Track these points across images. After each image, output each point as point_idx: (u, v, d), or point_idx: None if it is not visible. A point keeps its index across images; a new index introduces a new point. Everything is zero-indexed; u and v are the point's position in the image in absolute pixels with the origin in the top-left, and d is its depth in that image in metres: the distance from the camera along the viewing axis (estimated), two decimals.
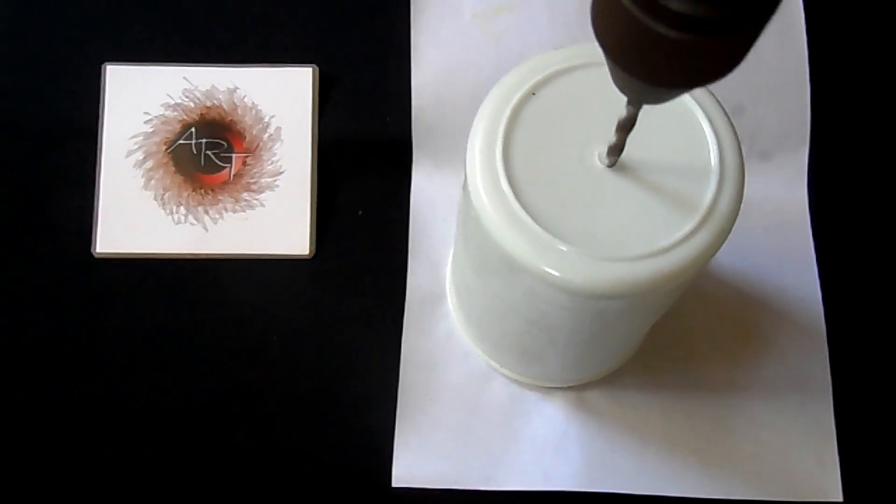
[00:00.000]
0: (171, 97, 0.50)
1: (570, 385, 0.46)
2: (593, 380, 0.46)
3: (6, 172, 0.50)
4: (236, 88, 0.51)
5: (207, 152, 0.50)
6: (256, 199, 0.49)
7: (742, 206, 0.32)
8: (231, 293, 0.48)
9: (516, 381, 0.46)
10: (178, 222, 0.49)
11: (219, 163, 0.50)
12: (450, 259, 0.48)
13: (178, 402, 0.46)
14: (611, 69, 0.25)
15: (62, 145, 0.50)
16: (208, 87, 0.51)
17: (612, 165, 0.32)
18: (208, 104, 0.50)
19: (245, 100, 0.50)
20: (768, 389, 0.47)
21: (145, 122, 0.50)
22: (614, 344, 0.42)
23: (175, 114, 0.50)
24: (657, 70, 0.23)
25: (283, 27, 0.52)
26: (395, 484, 0.44)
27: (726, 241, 0.31)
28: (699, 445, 0.46)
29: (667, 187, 0.31)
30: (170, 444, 0.46)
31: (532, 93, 0.32)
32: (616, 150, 0.30)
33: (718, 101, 0.33)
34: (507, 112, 0.32)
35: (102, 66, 0.51)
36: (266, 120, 0.50)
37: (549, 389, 0.46)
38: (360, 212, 0.49)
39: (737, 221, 0.32)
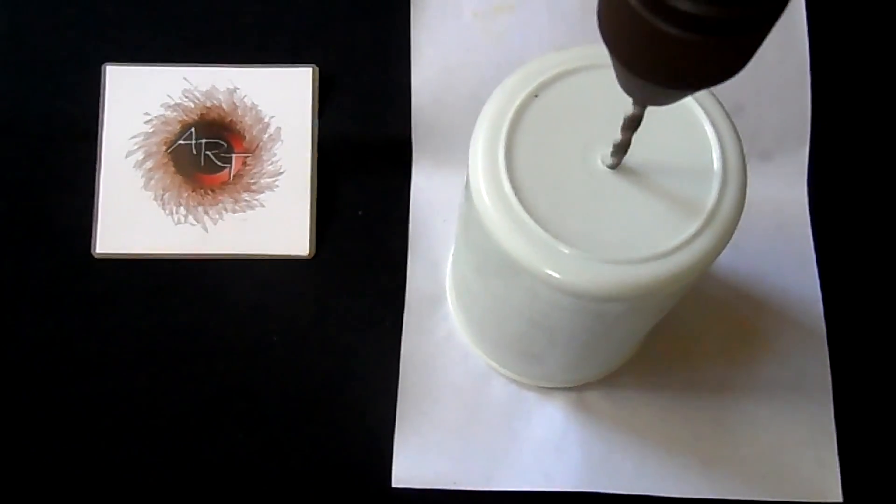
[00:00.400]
0: (171, 97, 0.50)
1: (570, 385, 0.46)
2: (593, 380, 0.46)
3: (6, 172, 0.50)
4: (236, 88, 0.50)
5: (207, 152, 0.50)
6: (256, 200, 0.49)
7: None
8: (231, 293, 0.48)
9: (516, 382, 0.46)
10: (178, 222, 0.48)
11: (219, 163, 0.50)
12: (450, 259, 0.48)
13: (178, 402, 0.46)
14: (617, 71, 0.25)
15: (62, 145, 0.50)
16: (208, 88, 0.51)
17: (614, 167, 0.31)
18: (208, 104, 0.50)
19: (245, 100, 0.50)
20: (768, 390, 0.47)
21: (145, 123, 0.50)
22: (615, 345, 0.42)
23: (175, 114, 0.50)
24: (665, 71, 0.23)
25: (283, 27, 0.52)
26: (395, 484, 0.44)
27: None
28: (699, 446, 0.46)
29: (669, 190, 0.31)
30: (170, 443, 0.46)
31: (535, 95, 0.32)
32: (621, 150, 0.30)
33: (720, 103, 0.33)
34: (510, 114, 0.32)
35: (102, 66, 0.51)
36: (266, 120, 0.50)
37: (548, 390, 0.46)
38: (360, 212, 0.49)
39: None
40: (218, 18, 0.52)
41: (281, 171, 0.49)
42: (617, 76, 0.25)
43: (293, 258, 0.48)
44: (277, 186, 0.49)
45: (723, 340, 0.48)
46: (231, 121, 0.50)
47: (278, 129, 0.50)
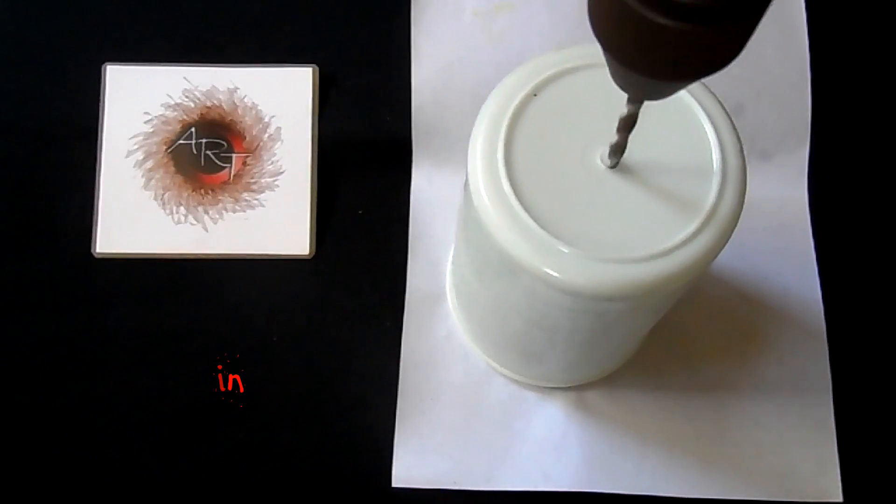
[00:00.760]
0: (171, 97, 0.50)
1: (570, 385, 0.46)
2: (593, 380, 0.46)
3: (6, 172, 0.50)
4: (236, 88, 0.50)
5: (207, 152, 0.50)
6: (256, 199, 0.49)
7: None
8: (231, 293, 0.48)
9: (516, 382, 0.46)
10: (178, 222, 0.48)
11: (219, 163, 0.50)
12: (450, 259, 0.48)
13: (178, 402, 0.46)
14: (609, 65, 0.25)
15: (62, 145, 0.50)
16: (208, 87, 0.51)
17: (614, 166, 0.31)
18: (208, 104, 0.50)
19: (245, 100, 0.50)
20: (768, 390, 0.47)
21: (145, 122, 0.50)
22: (614, 345, 0.42)
23: (175, 114, 0.50)
24: (656, 62, 0.22)
25: (283, 27, 0.52)
26: (395, 484, 0.44)
27: None
28: (699, 446, 0.46)
29: (669, 189, 0.31)
30: (170, 443, 0.45)
31: (534, 94, 0.32)
32: (618, 151, 0.30)
33: (720, 102, 0.33)
34: (509, 113, 0.32)
35: (102, 66, 0.51)
36: (266, 120, 0.50)
37: (549, 389, 0.46)
38: (360, 212, 0.49)
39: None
40: (218, 18, 0.52)
41: (281, 170, 0.49)
42: (610, 70, 0.25)
43: (293, 258, 0.48)
44: (277, 186, 0.49)
45: (723, 341, 0.48)
46: (231, 120, 0.50)
47: (278, 128, 0.50)
